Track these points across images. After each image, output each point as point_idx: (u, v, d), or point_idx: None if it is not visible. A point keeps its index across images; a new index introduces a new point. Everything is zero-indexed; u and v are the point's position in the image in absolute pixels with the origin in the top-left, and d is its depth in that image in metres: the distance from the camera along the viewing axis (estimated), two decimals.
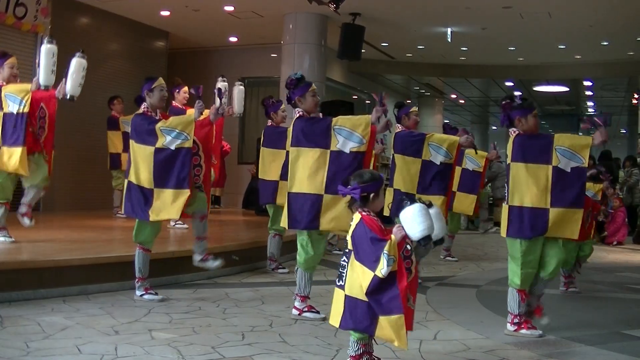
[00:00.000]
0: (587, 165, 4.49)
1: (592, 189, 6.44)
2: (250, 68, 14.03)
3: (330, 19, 11.37)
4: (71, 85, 6.00)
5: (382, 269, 3.15)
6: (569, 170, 4.46)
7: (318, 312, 4.88)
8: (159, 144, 5.20)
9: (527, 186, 4.53)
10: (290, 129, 5.03)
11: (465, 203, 8.21)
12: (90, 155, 10.80)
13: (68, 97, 6.06)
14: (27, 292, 5.14)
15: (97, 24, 11.49)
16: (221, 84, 7.10)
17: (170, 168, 5.22)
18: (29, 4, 9.71)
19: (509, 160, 4.64)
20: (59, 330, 4.28)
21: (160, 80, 5.49)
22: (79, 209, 10.40)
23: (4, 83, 6.28)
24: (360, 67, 15.42)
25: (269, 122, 7.18)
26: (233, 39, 13.57)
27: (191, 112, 5.80)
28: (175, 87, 8.40)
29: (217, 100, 6.12)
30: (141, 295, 5.33)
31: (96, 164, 10.48)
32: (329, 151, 4.76)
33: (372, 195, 3.37)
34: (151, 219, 5.23)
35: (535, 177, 4.51)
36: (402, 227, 3.23)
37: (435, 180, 6.21)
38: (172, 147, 5.20)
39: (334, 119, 4.79)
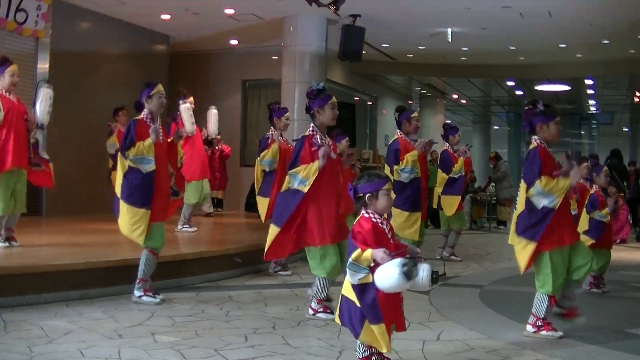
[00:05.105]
0: (556, 206, 4.40)
1: None
2: (251, 71, 14.03)
3: (330, 21, 11.37)
4: (40, 113, 6.36)
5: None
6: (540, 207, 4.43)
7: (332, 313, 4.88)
8: (128, 162, 5.23)
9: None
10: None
11: (447, 203, 8.42)
12: (89, 159, 10.79)
13: (38, 125, 6.37)
14: (30, 296, 5.16)
15: (97, 28, 11.48)
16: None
17: (138, 188, 5.27)
18: (29, 9, 9.71)
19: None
20: (62, 334, 4.29)
21: (159, 87, 5.44)
22: (79, 212, 10.37)
23: (3, 91, 6.28)
24: (361, 69, 15.41)
25: (271, 130, 7.11)
26: (234, 42, 13.57)
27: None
28: (181, 97, 8.21)
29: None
30: (139, 297, 5.34)
31: (96, 167, 10.48)
32: None
33: (367, 195, 3.39)
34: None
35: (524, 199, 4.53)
36: (386, 265, 3.11)
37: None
38: (143, 172, 5.24)
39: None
